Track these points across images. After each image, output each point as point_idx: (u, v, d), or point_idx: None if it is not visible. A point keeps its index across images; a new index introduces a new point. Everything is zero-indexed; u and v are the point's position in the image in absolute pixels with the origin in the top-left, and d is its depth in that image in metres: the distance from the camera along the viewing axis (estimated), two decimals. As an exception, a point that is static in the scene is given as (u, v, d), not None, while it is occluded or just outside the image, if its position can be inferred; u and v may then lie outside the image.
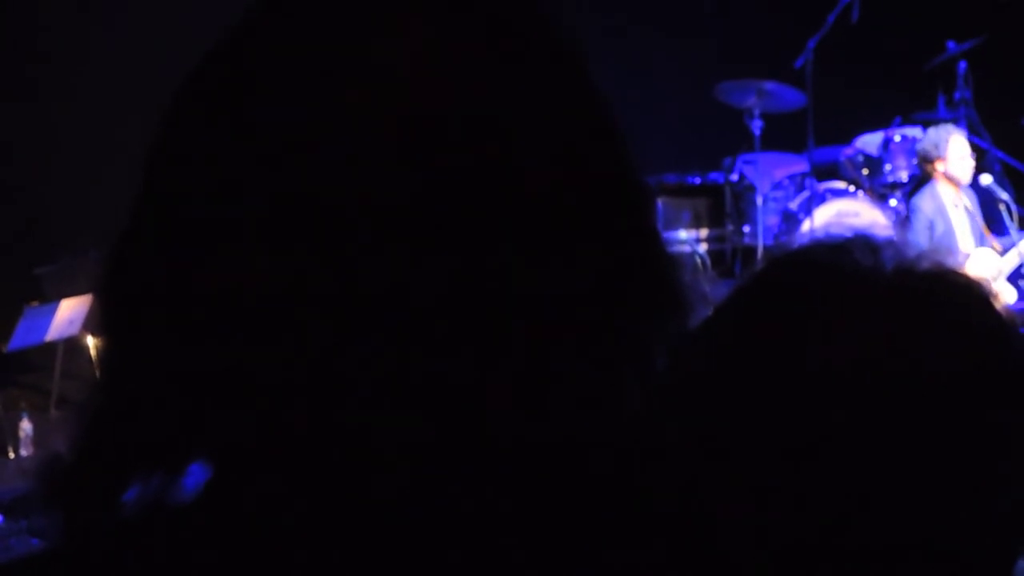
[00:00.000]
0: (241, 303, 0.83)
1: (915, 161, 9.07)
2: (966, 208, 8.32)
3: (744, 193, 9.74)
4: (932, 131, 8.44)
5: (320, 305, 0.82)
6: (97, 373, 0.90)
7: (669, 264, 0.92)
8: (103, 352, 0.90)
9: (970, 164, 8.31)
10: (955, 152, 8.24)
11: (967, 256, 8.14)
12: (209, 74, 0.88)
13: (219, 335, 0.83)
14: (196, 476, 0.87)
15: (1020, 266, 8.34)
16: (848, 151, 9.71)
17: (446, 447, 0.84)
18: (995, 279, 8.12)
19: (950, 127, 8.50)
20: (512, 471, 0.85)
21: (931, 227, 8.19)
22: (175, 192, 0.86)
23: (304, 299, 0.82)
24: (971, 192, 8.43)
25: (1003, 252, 8.23)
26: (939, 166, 8.26)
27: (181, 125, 0.88)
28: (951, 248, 8.07)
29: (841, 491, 1.04)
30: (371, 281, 0.82)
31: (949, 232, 8.20)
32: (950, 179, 8.25)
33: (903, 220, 8.62)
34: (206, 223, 0.84)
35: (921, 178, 8.67)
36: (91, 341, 7.80)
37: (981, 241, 8.31)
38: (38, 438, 7.26)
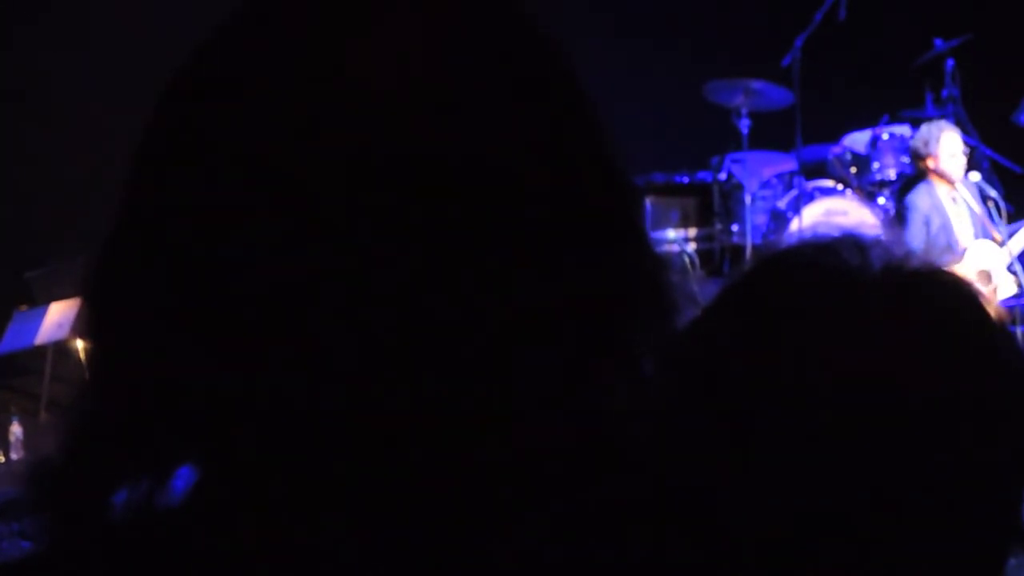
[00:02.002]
0: (228, 305, 0.83)
1: (904, 159, 9.08)
2: (966, 202, 8.33)
3: (732, 192, 9.73)
4: (924, 128, 8.46)
5: (304, 310, 0.82)
6: (86, 376, 0.90)
7: (656, 265, 0.92)
8: (90, 355, 0.90)
9: (962, 161, 8.33)
10: (946, 149, 8.26)
11: (965, 250, 8.16)
12: (189, 81, 0.88)
13: (206, 339, 0.83)
14: (185, 479, 0.87)
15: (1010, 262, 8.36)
16: (836, 149, 9.71)
17: (427, 453, 0.84)
18: (994, 271, 8.14)
19: (942, 123, 8.50)
20: (494, 476, 0.85)
21: (927, 223, 8.21)
22: (159, 196, 0.86)
23: (289, 303, 0.82)
24: (972, 186, 8.45)
25: (1004, 242, 8.25)
26: (930, 163, 8.28)
27: (162, 133, 0.88)
28: (949, 244, 8.09)
29: (827, 490, 1.04)
30: (354, 288, 0.82)
31: (946, 228, 8.22)
32: (942, 176, 8.27)
33: (897, 218, 8.63)
34: (190, 227, 0.84)
35: (915, 175, 8.69)
36: (80, 345, 7.78)
37: (983, 233, 8.32)
38: (28, 442, 7.24)
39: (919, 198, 8.33)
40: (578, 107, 0.90)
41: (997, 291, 8.16)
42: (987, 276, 8.12)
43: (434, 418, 0.83)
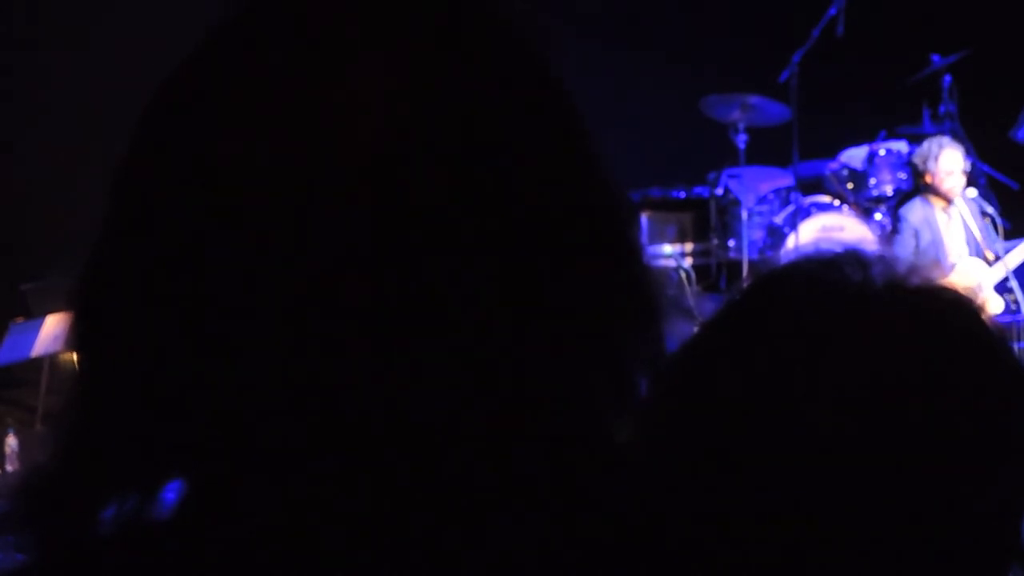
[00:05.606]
0: (213, 320, 0.83)
1: (901, 175, 9.11)
2: (962, 219, 8.35)
3: (729, 207, 9.74)
4: (925, 144, 8.47)
5: (290, 324, 0.81)
6: (74, 388, 0.90)
7: (652, 281, 0.92)
8: (78, 369, 0.90)
9: (960, 179, 8.34)
10: (944, 166, 8.28)
11: (953, 267, 8.17)
12: (170, 100, 0.88)
13: (192, 351, 0.83)
14: (174, 493, 0.87)
15: (1006, 279, 8.37)
16: (833, 165, 9.72)
17: (413, 467, 0.84)
18: (981, 290, 8.16)
19: (943, 140, 8.51)
20: (482, 490, 0.85)
21: (916, 236, 8.24)
22: (142, 210, 0.86)
23: (274, 318, 0.82)
24: (971, 203, 8.46)
25: (995, 262, 8.27)
26: (928, 179, 8.31)
27: (145, 150, 0.88)
28: (938, 259, 8.10)
29: (828, 506, 1.04)
30: (341, 299, 0.81)
31: (936, 243, 8.24)
32: (939, 193, 8.29)
33: (889, 231, 8.65)
34: (173, 243, 0.84)
35: (912, 189, 8.71)
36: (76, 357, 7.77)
37: (976, 252, 8.34)
38: (24, 454, 7.24)
39: (912, 211, 8.37)
40: (570, 123, 0.90)
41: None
42: (974, 294, 8.12)
43: (421, 432, 0.83)
